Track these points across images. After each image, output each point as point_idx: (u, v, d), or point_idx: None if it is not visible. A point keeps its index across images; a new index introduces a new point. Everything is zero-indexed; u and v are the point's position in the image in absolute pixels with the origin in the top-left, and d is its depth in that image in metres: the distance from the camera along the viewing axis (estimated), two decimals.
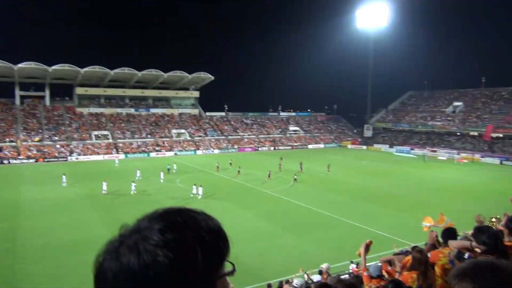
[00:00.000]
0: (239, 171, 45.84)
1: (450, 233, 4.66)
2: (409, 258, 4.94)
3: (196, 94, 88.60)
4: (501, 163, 59.68)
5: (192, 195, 34.02)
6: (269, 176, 42.66)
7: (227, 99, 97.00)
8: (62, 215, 28.67)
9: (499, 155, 63.10)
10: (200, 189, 33.88)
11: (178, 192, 36.79)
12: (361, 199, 33.88)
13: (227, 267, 1.02)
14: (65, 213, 29.23)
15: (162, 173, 43.07)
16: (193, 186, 34.85)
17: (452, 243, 4.34)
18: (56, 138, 66.08)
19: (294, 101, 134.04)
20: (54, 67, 67.48)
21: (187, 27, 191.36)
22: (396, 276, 5.50)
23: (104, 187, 35.32)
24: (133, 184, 36.03)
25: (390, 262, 6.50)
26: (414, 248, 4.67)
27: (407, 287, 3.75)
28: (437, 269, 3.99)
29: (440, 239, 5.08)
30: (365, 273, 5.31)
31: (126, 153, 66.60)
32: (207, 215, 1.00)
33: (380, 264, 5.94)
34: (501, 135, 67.99)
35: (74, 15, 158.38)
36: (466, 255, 4.16)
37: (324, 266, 9.89)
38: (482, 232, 3.88)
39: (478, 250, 3.79)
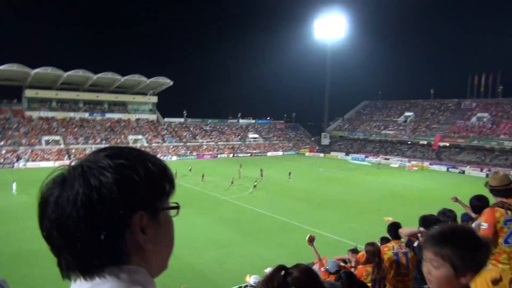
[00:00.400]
0: (203, 177, 45.39)
1: (395, 228, 5.00)
2: (362, 253, 5.20)
3: (154, 99, 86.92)
4: (447, 170, 63.33)
5: None
6: (232, 183, 42.56)
7: (186, 105, 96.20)
8: (8, 224, 27.04)
9: (446, 162, 67.00)
10: None
11: None
12: (317, 205, 34.68)
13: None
14: (12, 222, 27.58)
15: None
16: None
17: (402, 231, 4.64)
18: (2, 143, 62.27)
19: (253, 109, 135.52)
20: (1, 67, 63.75)
21: (146, 30, 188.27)
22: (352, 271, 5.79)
23: (13, 187, 33.94)
24: None
25: (344, 261, 6.80)
26: (366, 243, 4.96)
27: (358, 279, 3.98)
28: (385, 263, 4.26)
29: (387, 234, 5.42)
30: (322, 269, 5.53)
31: (79, 159, 63.87)
32: (155, 156, 0.98)
33: (336, 261, 6.22)
34: (447, 144, 72.30)
35: (25, 11, 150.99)
36: (415, 243, 4.47)
37: (267, 270, 10.04)
38: (426, 220, 4.23)
39: (421, 238, 4.11)
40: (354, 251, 6.17)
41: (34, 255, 21.35)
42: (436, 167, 65.38)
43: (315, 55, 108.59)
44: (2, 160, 58.29)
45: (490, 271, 2.59)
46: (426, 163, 67.35)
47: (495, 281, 2.40)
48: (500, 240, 3.53)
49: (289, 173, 49.37)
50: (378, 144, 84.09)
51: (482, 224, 3.54)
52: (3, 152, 60.28)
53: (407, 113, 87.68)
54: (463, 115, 77.41)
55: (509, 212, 3.53)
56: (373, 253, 4.50)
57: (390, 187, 44.96)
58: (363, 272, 4.50)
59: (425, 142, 75.85)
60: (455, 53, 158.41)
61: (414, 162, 68.11)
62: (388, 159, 72.50)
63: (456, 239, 1.55)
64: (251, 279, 9.94)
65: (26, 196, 36.03)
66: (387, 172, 59.80)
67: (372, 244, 4.67)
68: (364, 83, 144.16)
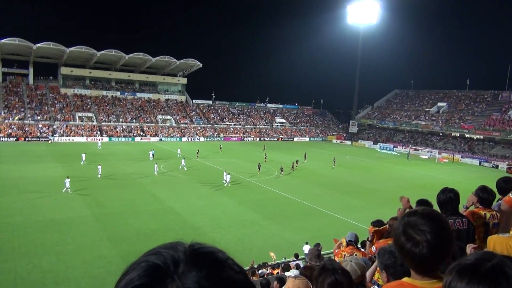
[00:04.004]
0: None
1: (424, 204, 4.90)
2: (385, 227, 5.18)
3: (184, 80, 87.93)
4: (480, 164, 61.23)
5: (224, 181, 34.45)
6: (259, 168, 41.36)
7: (215, 88, 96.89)
8: (42, 194, 28.33)
9: (479, 156, 64.72)
10: (228, 176, 34.22)
11: (202, 177, 37.03)
12: (343, 192, 34.45)
13: None
14: (46, 193, 28.88)
15: (183, 160, 41.67)
16: (223, 173, 35.28)
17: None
18: (39, 117, 64.86)
19: (281, 94, 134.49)
20: (38, 44, 65.88)
21: (177, 12, 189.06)
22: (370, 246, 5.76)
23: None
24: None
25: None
26: (391, 217, 4.94)
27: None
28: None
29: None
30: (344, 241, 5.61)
31: (110, 136, 65.90)
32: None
33: (354, 233, 6.25)
34: (481, 137, 69.71)
35: None
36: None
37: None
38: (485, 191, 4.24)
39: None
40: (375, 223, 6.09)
41: (64, 224, 22.37)
42: (468, 160, 63.33)
43: (347, 41, 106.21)
44: (38, 134, 60.76)
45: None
46: (457, 156, 65.31)
47: None
48: None
49: (334, 160, 49.23)
50: (408, 134, 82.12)
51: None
52: (40, 126, 62.79)
53: (440, 104, 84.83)
54: (500, 107, 74.17)
55: None
56: None
57: (418, 178, 44.02)
58: (383, 245, 4.45)
59: (458, 134, 73.43)
60: (494, 42, 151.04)
61: (445, 154, 66.18)
62: (417, 150, 70.67)
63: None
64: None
65: (92, 166, 37.75)
66: (416, 163, 58.44)
67: (396, 219, 4.65)
68: (396, 71, 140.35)
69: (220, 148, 57.77)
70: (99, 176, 34.47)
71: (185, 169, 40.15)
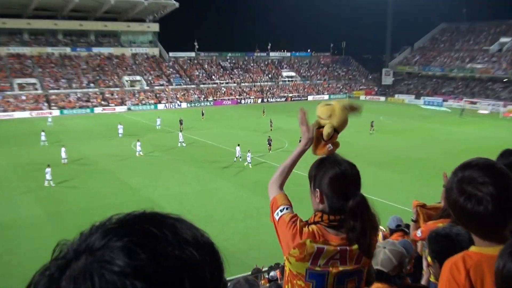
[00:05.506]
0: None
1: None
2: (439, 204, 5.22)
3: (155, 27, 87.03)
4: None
5: (235, 159, 34.98)
6: (269, 145, 40.18)
7: (198, 35, 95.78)
8: None
9: None
10: (249, 154, 34.33)
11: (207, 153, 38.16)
12: (374, 164, 34.47)
13: None
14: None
15: (180, 135, 42.52)
16: (236, 147, 35.50)
17: None
18: None
19: (288, 38, 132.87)
20: None
21: None
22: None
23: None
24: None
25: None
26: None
27: None
28: None
29: None
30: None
31: (61, 108, 65.87)
32: (191, 224, 0.85)
33: (397, 217, 6.28)
34: None
35: None
36: None
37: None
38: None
39: None
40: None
41: (9, 228, 22.69)
42: None
43: None
44: None
45: None
46: None
47: None
48: None
49: (371, 124, 48.80)
50: (461, 83, 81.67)
51: None
52: None
53: (502, 39, 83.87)
54: None
55: None
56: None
57: (474, 141, 44.02)
58: (433, 228, 4.41)
59: None
60: None
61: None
62: (475, 103, 70.56)
63: None
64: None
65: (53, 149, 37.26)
66: (473, 120, 58.44)
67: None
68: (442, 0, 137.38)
69: (203, 115, 58.07)
70: (63, 161, 34.59)
71: (184, 145, 41.01)
